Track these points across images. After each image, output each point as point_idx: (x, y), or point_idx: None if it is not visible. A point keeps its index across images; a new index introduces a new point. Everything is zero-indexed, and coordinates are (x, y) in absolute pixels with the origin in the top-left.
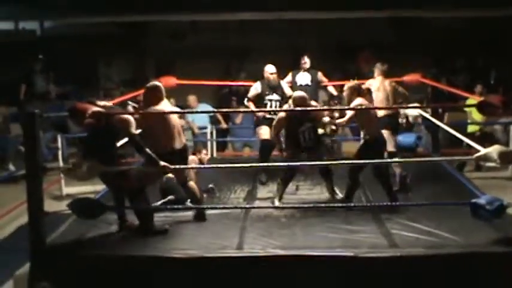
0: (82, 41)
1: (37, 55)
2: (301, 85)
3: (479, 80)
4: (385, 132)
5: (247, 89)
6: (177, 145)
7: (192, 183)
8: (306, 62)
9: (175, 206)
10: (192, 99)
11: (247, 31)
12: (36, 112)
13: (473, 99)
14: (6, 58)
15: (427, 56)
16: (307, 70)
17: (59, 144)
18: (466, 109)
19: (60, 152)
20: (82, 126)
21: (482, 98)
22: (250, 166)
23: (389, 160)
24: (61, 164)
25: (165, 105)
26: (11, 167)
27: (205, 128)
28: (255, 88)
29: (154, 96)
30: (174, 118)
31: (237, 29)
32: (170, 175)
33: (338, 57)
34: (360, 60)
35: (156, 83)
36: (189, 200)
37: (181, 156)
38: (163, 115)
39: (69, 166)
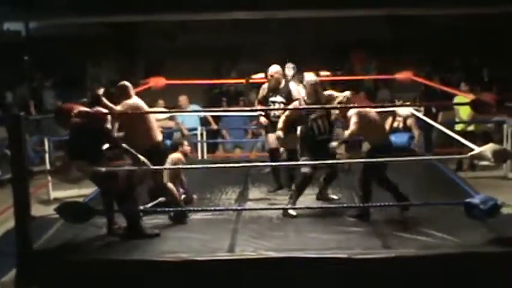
0: (68, 41)
1: (22, 56)
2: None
3: (471, 79)
4: None
5: (237, 90)
6: (158, 139)
7: (170, 185)
8: (288, 74)
9: (166, 209)
10: (183, 99)
11: (240, 30)
12: (21, 115)
13: (461, 97)
14: None
15: (422, 55)
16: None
17: (46, 148)
18: (454, 107)
19: (47, 156)
20: (67, 127)
21: (470, 96)
22: (242, 166)
23: (381, 159)
24: (48, 167)
25: (138, 100)
26: None
27: (195, 129)
28: (263, 88)
29: (125, 93)
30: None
31: (228, 28)
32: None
33: (334, 56)
34: (353, 60)
35: (123, 82)
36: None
37: (158, 153)
38: (142, 111)
39: (57, 166)
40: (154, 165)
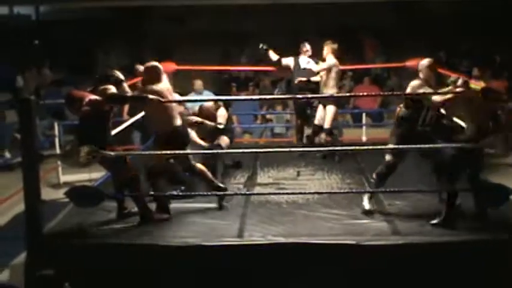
0: (78, 26)
1: (32, 40)
2: (304, 68)
3: (481, 64)
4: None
5: (247, 75)
6: (178, 123)
7: (199, 166)
8: (308, 49)
9: (174, 194)
10: (198, 84)
11: (247, 15)
12: (32, 98)
13: (474, 85)
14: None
15: (433, 41)
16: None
17: (56, 132)
18: None
19: (57, 140)
20: (78, 114)
21: (481, 82)
22: (251, 152)
23: (389, 147)
24: (58, 151)
25: (166, 85)
26: (7, 155)
27: None
28: None
29: (154, 75)
30: (172, 97)
31: (236, 12)
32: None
33: (339, 41)
34: (365, 47)
35: (154, 63)
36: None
37: (182, 137)
38: (163, 94)
39: (67, 149)
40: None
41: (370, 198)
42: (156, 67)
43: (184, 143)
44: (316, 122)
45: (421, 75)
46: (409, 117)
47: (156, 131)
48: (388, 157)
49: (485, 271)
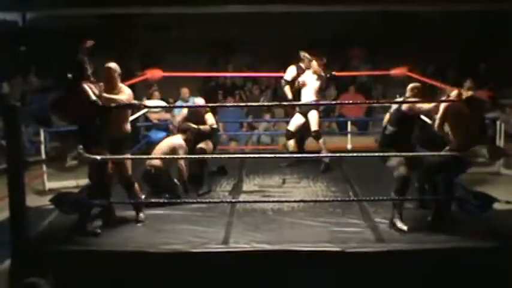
0: (64, 32)
1: (18, 47)
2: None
3: (466, 74)
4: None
5: (233, 82)
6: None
7: (137, 187)
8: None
9: (166, 200)
10: (185, 91)
11: (234, 23)
12: (18, 105)
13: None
14: None
15: (423, 52)
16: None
17: (42, 138)
18: None
19: (42, 146)
20: (64, 120)
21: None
22: (236, 157)
23: (380, 154)
24: (44, 158)
25: (124, 86)
26: None
27: None
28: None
29: (114, 76)
30: None
31: (223, 21)
32: (155, 162)
33: (328, 50)
34: (351, 56)
35: (110, 64)
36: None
37: (127, 143)
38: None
39: (52, 155)
40: (119, 155)
41: (400, 218)
42: (114, 68)
43: (128, 148)
44: (290, 128)
45: (408, 93)
46: (393, 134)
47: (111, 135)
48: (401, 170)
49: (467, 278)
